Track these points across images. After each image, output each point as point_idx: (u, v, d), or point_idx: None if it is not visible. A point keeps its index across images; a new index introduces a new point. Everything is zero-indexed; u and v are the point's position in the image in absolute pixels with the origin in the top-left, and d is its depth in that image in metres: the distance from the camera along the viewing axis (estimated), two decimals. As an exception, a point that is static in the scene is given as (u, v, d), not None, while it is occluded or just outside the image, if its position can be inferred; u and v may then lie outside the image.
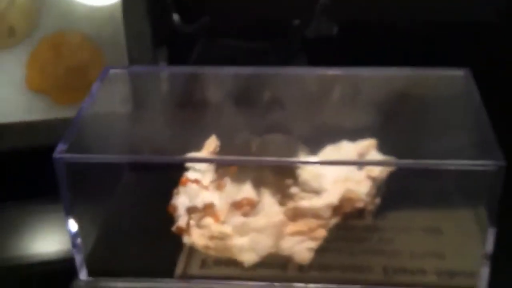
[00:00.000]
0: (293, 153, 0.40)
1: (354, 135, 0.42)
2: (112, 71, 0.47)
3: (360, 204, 0.40)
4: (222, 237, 0.39)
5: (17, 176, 0.53)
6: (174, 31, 0.60)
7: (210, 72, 0.48)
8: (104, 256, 0.41)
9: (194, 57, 0.61)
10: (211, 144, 0.43)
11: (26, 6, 0.54)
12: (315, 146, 0.41)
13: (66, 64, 0.55)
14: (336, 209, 0.39)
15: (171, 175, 0.41)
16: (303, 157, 0.40)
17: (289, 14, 0.61)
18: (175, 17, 0.60)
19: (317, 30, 0.60)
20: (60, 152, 0.38)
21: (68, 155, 0.38)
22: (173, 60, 0.58)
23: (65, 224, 0.39)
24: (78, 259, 0.40)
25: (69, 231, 0.39)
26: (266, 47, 0.61)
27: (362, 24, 0.62)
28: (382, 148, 0.41)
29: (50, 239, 0.49)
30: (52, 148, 0.38)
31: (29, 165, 0.53)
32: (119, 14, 0.55)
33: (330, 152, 0.41)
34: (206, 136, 0.43)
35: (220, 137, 0.43)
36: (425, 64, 0.45)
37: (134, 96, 0.48)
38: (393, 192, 0.41)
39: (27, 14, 0.55)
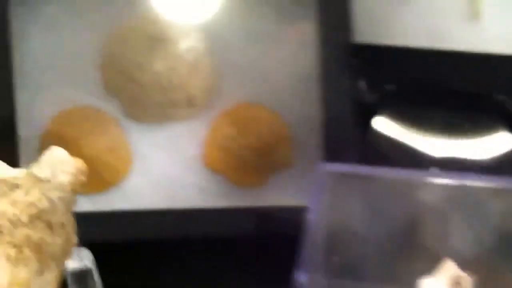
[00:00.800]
0: None
1: None
2: (326, 168, 0.40)
3: None
4: None
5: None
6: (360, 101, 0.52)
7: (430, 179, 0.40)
8: None
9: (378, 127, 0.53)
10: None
11: (207, 74, 0.47)
12: None
13: (248, 141, 0.48)
14: None
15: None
16: None
17: (492, 87, 0.53)
18: (362, 85, 0.52)
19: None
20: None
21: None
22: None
23: None
24: None
25: None
26: (460, 120, 0.53)
27: None
28: None
29: None
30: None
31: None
32: (312, 87, 0.47)
33: None
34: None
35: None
36: None
37: (361, 202, 0.40)
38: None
39: (208, 83, 0.47)
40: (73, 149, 0.46)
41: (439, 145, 0.52)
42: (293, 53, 0.48)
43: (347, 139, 0.47)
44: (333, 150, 0.47)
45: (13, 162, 0.46)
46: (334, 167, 0.39)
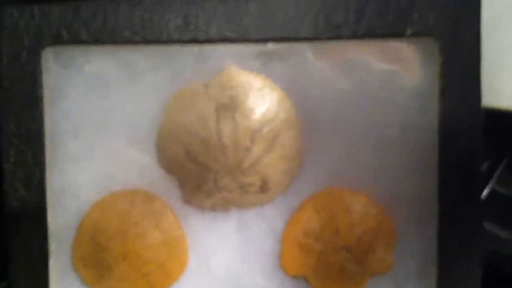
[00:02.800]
0: None
1: None
2: None
3: None
4: None
5: None
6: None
7: None
8: None
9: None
10: None
11: (288, 150, 0.37)
12: None
13: (338, 238, 0.37)
14: None
15: None
16: None
17: None
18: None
19: None
20: None
21: None
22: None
23: None
24: None
25: None
26: None
27: None
28: None
29: None
30: None
31: None
32: (428, 174, 0.36)
33: None
34: None
35: None
36: None
37: None
38: None
39: (289, 162, 0.37)
40: (118, 243, 0.37)
41: None
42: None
43: (469, 237, 0.36)
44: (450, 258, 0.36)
45: (43, 255, 0.37)
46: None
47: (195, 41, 0.36)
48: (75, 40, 0.37)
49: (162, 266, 0.37)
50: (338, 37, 0.36)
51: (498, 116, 0.41)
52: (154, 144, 0.37)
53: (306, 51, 0.37)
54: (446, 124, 0.36)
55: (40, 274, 0.37)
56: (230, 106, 0.36)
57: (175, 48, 0.37)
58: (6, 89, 0.37)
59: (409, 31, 0.36)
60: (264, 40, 0.36)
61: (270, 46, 0.37)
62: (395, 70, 0.37)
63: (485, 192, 0.43)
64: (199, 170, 0.37)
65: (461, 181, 0.36)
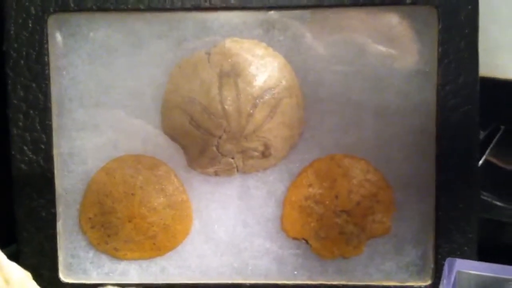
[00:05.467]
0: None
1: None
2: (458, 265, 0.30)
3: None
4: None
5: None
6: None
7: None
8: None
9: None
10: None
11: (289, 117, 0.38)
12: None
13: (337, 202, 0.38)
14: None
15: None
16: None
17: None
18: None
19: None
20: None
21: None
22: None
23: None
24: None
25: None
26: None
27: None
28: None
29: None
30: None
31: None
32: (426, 142, 0.37)
33: None
34: None
35: None
36: None
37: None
38: None
39: (290, 129, 0.38)
40: (124, 206, 0.38)
41: None
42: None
43: (466, 204, 0.37)
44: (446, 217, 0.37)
45: (51, 218, 0.38)
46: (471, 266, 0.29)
47: (198, 8, 0.37)
48: (81, 8, 0.37)
49: (167, 229, 0.38)
50: (339, 4, 0.37)
51: (495, 86, 0.42)
52: (158, 112, 0.38)
53: (305, 23, 0.37)
54: (444, 92, 0.37)
55: (48, 236, 0.38)
56: (232, 73, 0.37)
57: (178, 16, 0.37)
58: (13, 57, 0.38)
59: (408, -1, 0.37)
60: (266, 8, 0.37)
61: (272, 14, 0.37)
62: (392, 53, 0.37)
63: (481, 161, 0.44)
64: (203, 136, 0.38)
65: (458, 149, 0.37)
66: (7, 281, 0.25)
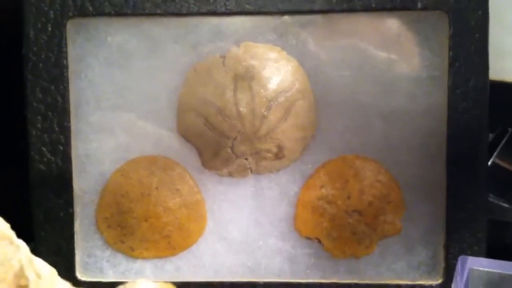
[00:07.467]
0: None
1: None
2: (470, 263, 0.31)
3: None
4: None
5: None
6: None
7: None
8: None
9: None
10: None
11: (302, 119, 0.39)
12: None
13: (349, 202, 0.39)
14: None
15: None
16: None
17: None
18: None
19: None
20: None
21: None
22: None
23: None
24: None
25: None
26: None
27: None
28: None
29: None
30: None
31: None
32: (434, 143, 0.38)
33: None
34: None
35: None
36: None
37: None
38: None
39: (303, 130, 0.39)
40: (140, 206, 0.39)
41: None
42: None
43: (475, 204, 0.38)
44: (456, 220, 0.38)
45: (68, 218, 0.39)
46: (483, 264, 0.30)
47: (214, 13, 0.38)
48: (99, 12, 0.38)
49: (182, 228, 0.39)
50: (351, 10, 0.38)
51: (503, 89, 0.43)
52: (173, 114, 0.39)
53: (318, 28, 0.38)
54: (455, 95, 0.38)
55: (66, 236, 0.39)
56: (247, 76, 0.38)
57: (194, 21, 0.38)
58: (32, 60, 0.38)
59: (419, 4, 0.37)
60: (280, 13, 0.38)
61: (286, 18, 0.38)
62: (402, 57, 0.38)
63: (489, 163, 0.45)
64: (217, 137, 0.39)
65: (467, 152, 0.38)
66: (39, 276, 0.26)
